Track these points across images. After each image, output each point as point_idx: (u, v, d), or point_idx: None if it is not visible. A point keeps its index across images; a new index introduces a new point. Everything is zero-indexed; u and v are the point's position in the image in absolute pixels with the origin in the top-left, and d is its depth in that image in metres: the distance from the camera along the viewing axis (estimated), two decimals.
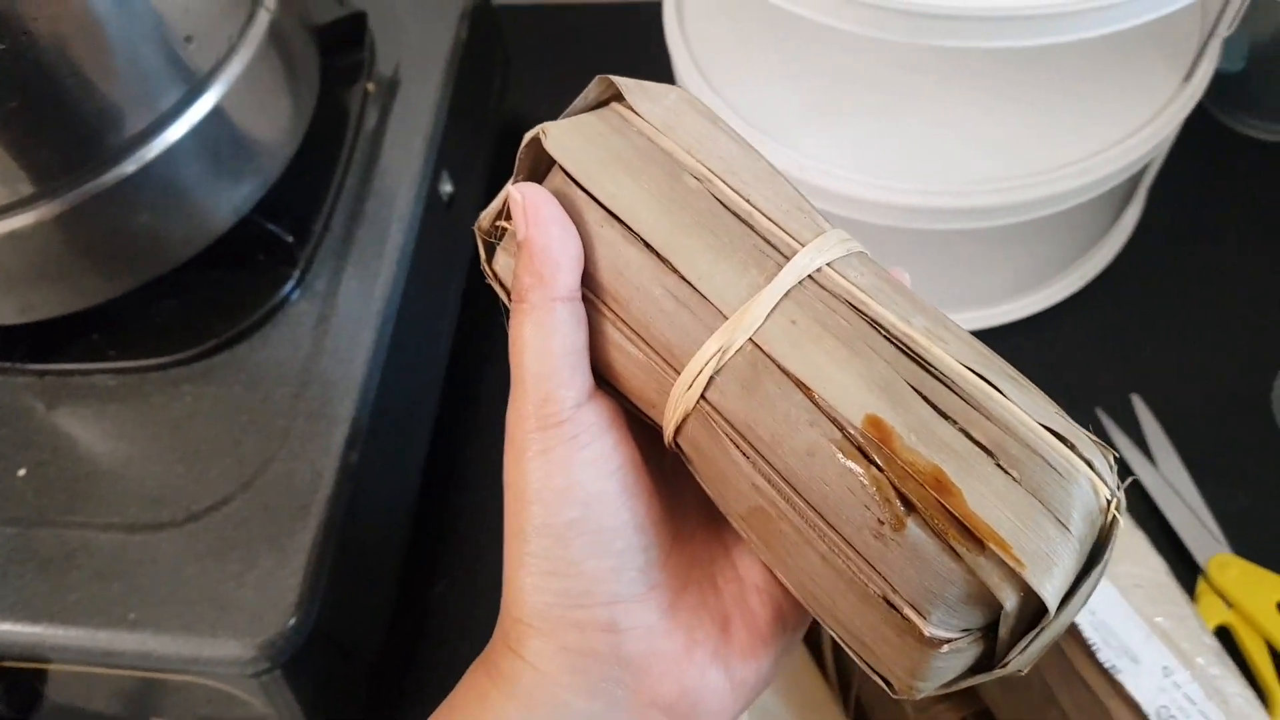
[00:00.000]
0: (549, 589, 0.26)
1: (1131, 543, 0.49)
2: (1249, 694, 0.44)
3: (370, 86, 0.57)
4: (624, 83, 0.28)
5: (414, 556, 0.57)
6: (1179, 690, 0.43)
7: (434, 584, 0.59)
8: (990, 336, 0.52)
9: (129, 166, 0.44)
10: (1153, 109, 0.58)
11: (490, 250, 0.29)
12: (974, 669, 0.24)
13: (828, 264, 0.25)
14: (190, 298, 0.50)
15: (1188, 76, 0.58)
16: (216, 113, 0.45)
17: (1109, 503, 0.23)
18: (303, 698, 0.44)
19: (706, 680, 0.27)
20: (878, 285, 0.26)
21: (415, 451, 0.56)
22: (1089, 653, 0.44)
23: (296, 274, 0.50)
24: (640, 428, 0.28)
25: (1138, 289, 0.67)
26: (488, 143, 0.69)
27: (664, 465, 0.29)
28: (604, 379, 0.28)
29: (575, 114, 0.29)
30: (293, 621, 0.42)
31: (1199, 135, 0.71)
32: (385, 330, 0.50)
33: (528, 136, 0.28)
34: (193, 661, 0.41)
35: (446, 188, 0.59)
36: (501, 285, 0.29)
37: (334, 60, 0.57)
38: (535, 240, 0.26)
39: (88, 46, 0.40)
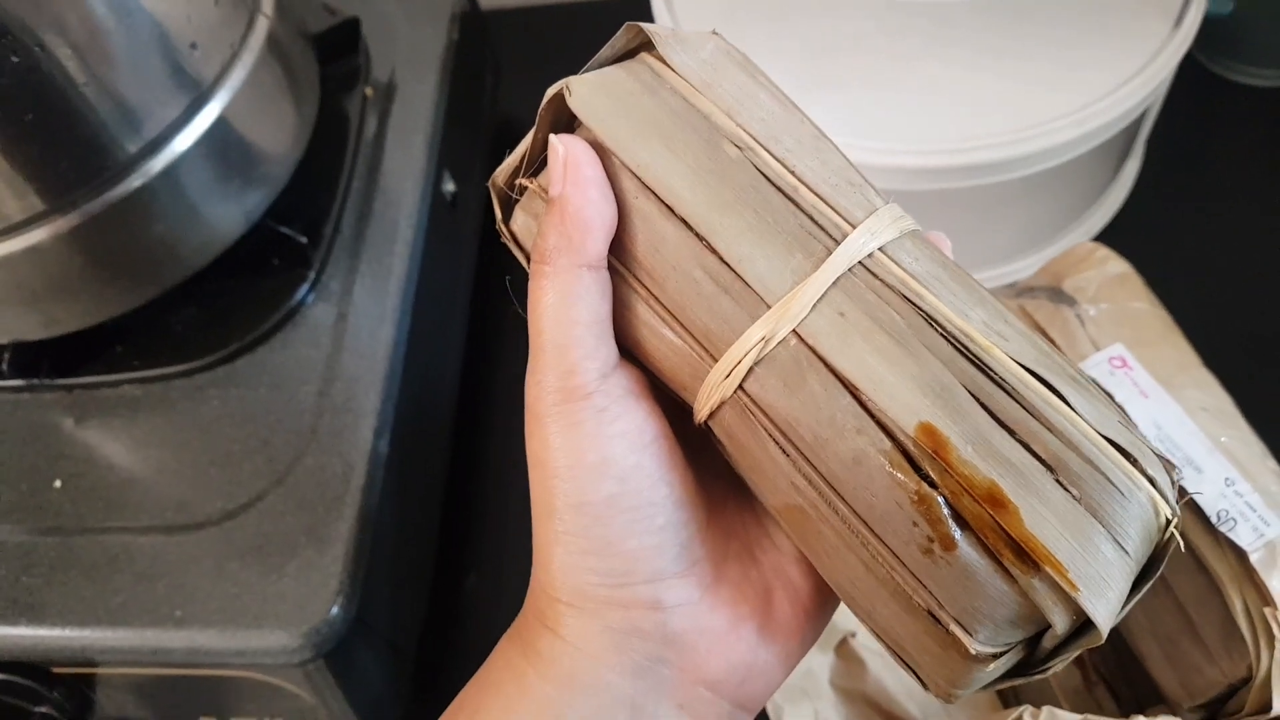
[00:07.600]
0: (589, 568, 0.25)
1: (1196, 374, 0.47)
2: None
3: (369, 91, 0.58)
4: (656, 31, 0.26)
5: (445, 548, 0.58)
6: (1241, 499, 0.42)
7: (465, 576, 0.59)
8: (996, 297, 0.52)
9: (140, 177, 0.44)
10: (1144, 57, 0.58)
11: (507, 207, 0.27)
12: (1010, 673, 0.24)
13: (880, 248, 0.24)
14: (209, 304, 0.51)
15: (1177, 22, 0.59)
16: (222, 121, 0.46)
17: (1168, 522, 0.22)
18: (346, 686, 0.44)
19: (754, 656, 0.26)
20: (933, 272, 0.24)
21: (440, 441, 0.57)
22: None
23: (312, 275, 0.51)
24: (665, 393, 0.26)
25: (1145, 241, 0.65)
26: (484, 145, 0.70)
27: (689, 432, 0.27)
28: (629, 354, 0.26)
29: (601, 65, 0.27)
30: (335, 610, 0.42)
31: (1190, 85, 0.71)
32: (403, 324, 0.51)
33: (551, 91, 0.26)
34: (240, 654, 0.42)
35: (449, 187, 0.60)
36: (519, 246, 0.27)
37: (331, 67, 0.58)
38: (571, 200, 0.24)
39: (97, 57, 0.41)
